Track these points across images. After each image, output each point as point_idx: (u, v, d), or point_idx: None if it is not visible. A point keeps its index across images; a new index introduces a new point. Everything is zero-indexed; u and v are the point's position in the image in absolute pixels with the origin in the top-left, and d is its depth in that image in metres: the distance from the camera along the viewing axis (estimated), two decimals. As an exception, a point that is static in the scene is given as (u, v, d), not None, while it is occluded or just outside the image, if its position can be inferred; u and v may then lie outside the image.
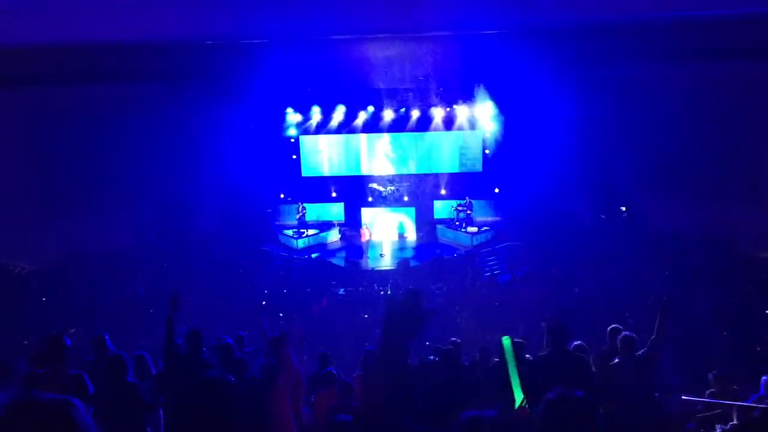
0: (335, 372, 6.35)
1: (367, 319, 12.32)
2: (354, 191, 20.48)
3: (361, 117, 19.58)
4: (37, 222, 15.98)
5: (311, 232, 19.17)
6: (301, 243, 18.72)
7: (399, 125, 19.75)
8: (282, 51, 15.13)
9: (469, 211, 18.93)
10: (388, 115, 19.40)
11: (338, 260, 17.85)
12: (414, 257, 17.95)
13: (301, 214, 19.12)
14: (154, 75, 15.95)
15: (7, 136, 15.59)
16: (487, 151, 19.94)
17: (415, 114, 19.43)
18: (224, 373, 2.99)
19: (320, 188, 20.53)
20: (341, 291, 15.38)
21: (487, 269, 17.03)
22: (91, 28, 12.57)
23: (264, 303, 14.34)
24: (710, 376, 6.46)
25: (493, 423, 2.07)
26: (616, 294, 13.08)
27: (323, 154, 20.63)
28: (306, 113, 19.53)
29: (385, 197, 20.20)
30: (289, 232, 19.14)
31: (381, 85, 18.32)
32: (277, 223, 20.25)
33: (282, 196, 20.36)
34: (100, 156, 15.99)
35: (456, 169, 20.35)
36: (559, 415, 2.07)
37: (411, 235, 19.90)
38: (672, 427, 5.99)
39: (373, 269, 17.19)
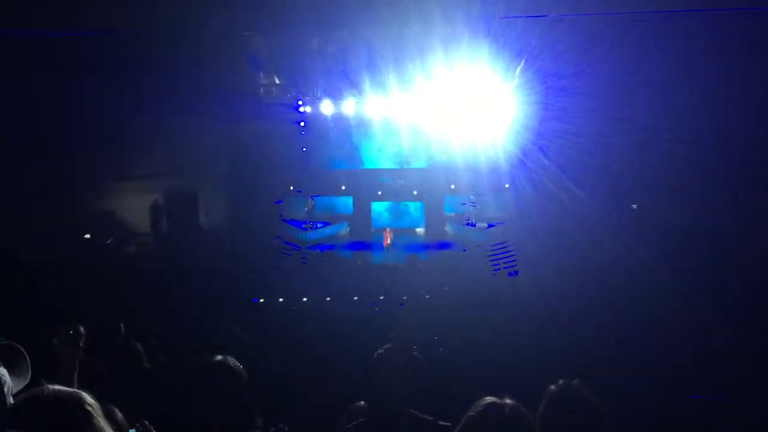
0: None
1: (377, 311, 12.33)
2: (363, 185, 20.36)
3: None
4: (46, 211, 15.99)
5: (320, 225, 19.17)
6: (310, 236, 18.72)
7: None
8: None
9: (477, 206, 18.78)
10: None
11: (347, 254, 17.86)
12: (423, 252, 17.89)
13: (310, 207, 19.10)
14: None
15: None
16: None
17: None
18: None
19: (329, 181, 20.43)
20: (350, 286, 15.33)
21: (495, 265, 16.92)
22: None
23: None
24: None
25: (512, 410, 2.07)
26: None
27: (333, 146, 20.50)
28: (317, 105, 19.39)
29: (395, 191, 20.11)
30: (298, 226, 19.13)
31: None
32: (285, 216, 20.20)
33: (291, 188, 20.25)
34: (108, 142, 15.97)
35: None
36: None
37: (420, 230, 19.84)
38: None
39: (383, 264, 17.19)
